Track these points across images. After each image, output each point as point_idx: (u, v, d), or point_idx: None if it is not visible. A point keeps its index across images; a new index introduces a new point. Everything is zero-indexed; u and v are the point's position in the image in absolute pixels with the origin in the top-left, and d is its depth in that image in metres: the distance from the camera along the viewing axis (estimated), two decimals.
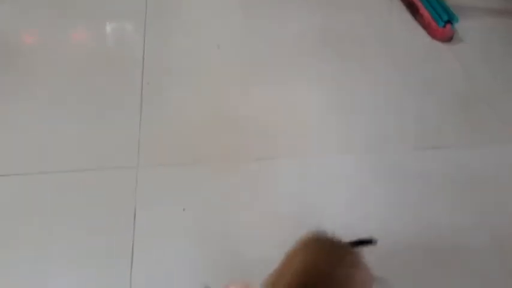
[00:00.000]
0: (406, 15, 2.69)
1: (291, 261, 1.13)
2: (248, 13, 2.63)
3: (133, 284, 1.53)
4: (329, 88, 2.24)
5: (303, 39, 2.47)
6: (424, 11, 2.61)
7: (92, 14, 2.53)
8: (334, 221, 1.32)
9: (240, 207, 1.75)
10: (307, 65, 2.34)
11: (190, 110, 2.10)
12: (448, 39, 2.54)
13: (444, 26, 2.53)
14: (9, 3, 2.54)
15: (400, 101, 2.21)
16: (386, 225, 1.71)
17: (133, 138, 1.95)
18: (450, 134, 2.08)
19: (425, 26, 2.59)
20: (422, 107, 2.19)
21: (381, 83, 2.30)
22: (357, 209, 1.76)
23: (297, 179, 1.85)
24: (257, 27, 2.53)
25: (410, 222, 1.74)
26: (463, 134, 2.08)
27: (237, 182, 1.83)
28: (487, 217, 1.78)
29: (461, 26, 2.58)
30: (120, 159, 1.89)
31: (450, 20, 2.54)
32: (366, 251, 1.19)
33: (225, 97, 2.17)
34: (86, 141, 1.95)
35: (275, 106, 2.14)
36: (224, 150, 1.94)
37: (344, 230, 1.17)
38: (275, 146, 1.97)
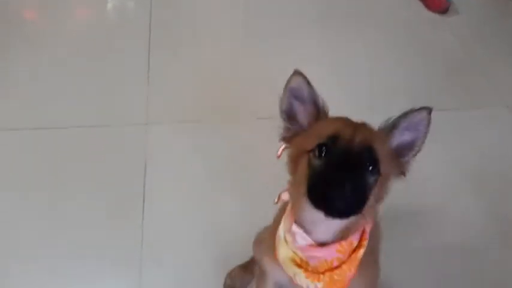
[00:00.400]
0: None
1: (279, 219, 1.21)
2: None
3: (144, 233, 1.62)
4: (329, 55, 2.34)
5: (304, 13, 2.59)
6: None
7: None
8: None
9: (242, 159, 1.85)
10: (308, 35, 2.45)
11: (197, 70, 2.21)
12: (444, 10, 2.64)
13: None
14: None
15: (395, 67, 2.32)
16: None
17: (141, 97, 2.07)
18: (443, 97, 2.19)
19: None
20: (417, 72, 2.31)
21: (378, 51, 2.40)
22: None
23: None
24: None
25: None
26: (456, 96, 2.20)
27: (239, 138, 1.93)
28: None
29: None
30: (129, 117, 2.01)
31: None
32: None
33: (231, 59, 2.28)
34: (98, 99, 2.07)
35: (278, 69, 2.24)
36: (228, 109, 2.05)
37: None
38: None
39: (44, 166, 1.81)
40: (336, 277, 0.99)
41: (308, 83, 0.97)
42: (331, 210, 0.87)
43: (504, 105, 2.18)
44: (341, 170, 0.85)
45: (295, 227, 0.98)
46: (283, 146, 1.03)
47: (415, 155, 0.98)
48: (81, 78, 2.15)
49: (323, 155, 0.88)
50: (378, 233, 1.10)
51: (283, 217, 1.05)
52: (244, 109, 2.06)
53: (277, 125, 1.01)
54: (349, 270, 0.99)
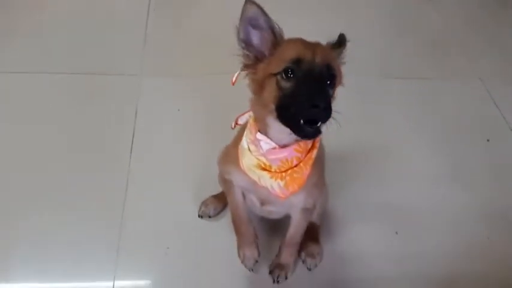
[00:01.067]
0: None
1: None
2: None
3: (131, 172, 1.75)
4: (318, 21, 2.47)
5: None
6: None
7: None
8: None
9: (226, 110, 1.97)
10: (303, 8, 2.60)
11: (193, 24, 2.38)
12: None
13: None
14: None
15: (379, 38, 2.46)
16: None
17: (137, 49, 2.24)
18: (420, 66, 2.33)
19: None
20: (397, 41, 2.45)
21: (365, 23, 2.54)
22: None
23: None
24: None
25: None
26: (433, 67, 2.33)
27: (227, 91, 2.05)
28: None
29: None
30: (124, 67, 2.16)
31: None
32: None
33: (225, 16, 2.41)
34: (94, 48, 2.23)
35: None
36: (218, 64, 2.18)
37: None
38: None
39: (47, 106, 1.97)
40: (295, 175, 1.14)
41: (263, 11, 1.05)
42: (305, 134, 1.02)
43: (477, 76, 2.31)
44: (310, 88, 0.99)
45: (259, 135, 1.12)
46: (238, 73, 1.13)
47: None
48: (83, 30, 2.33)
49: (290, 76, 1.02)
50: (322, 147, 1.27)
51: (245, 132, 1.19)
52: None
53: (234, 53, 1.09)
54: (305, 168, 1.14)
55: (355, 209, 1.70)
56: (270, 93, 1.05)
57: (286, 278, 1.48)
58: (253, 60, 1.10)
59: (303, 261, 1.53)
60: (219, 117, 1.89)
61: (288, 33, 1.10)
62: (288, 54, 1.03)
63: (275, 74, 1.04)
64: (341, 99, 1.10)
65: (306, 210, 1.33)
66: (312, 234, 1.52)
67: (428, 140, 2.00)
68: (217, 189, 1.61)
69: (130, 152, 1.82)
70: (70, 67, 2.13)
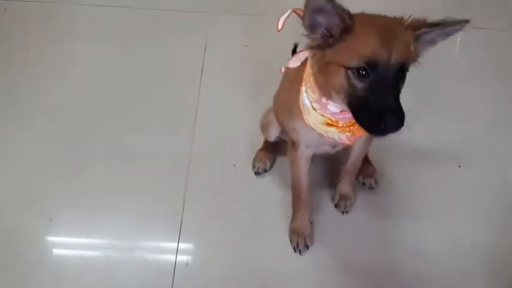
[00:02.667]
0: None
1: None
2: None
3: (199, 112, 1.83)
4: None
5: None
6: None
7: None
8: None
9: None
10: None
11: None
12: None
13: None
14: None
15: None
16: None
17: None
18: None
19: None
20: None
21: None
22: None
23: None
24: None
25: None
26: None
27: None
28: None
29: None
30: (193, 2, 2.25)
31: None
32: None
33: None
34: None
35: None
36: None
37: None
38: None
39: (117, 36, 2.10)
40: (356, 128, 1.16)
41: (328, 1, 0.96)
42: (381, 133, 1.03)
43: None
44: (385, 98, 0.99)
45: (325, 100, 1.13)
46: (285, 18, 1.12)
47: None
48: None
49: (363, 75, 0.99)
50: None
51: (303, 87, 1.18)
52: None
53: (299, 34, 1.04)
54: None
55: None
56: (339, 83, 1.03)
57: (351, 206, 1.54)
58: (321, 40, 1.04)
59: (363, 184, 1.59)
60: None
61: None
62: (361, 50, 0.99)
63: (346, 67, 1.01)
64: None
65: (369, 138, 1.37)
66: (365, 158, 1.55)
67: None
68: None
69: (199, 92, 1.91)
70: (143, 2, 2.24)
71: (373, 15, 1.05)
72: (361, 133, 1.20)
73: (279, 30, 1.15)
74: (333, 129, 1.19)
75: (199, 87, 1.89)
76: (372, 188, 1.59)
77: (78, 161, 1.67)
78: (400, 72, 1.01)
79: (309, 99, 1.17)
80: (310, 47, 1.07)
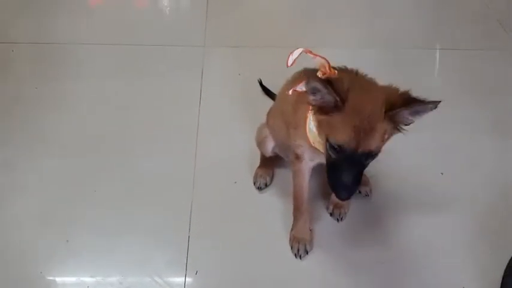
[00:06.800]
0: None
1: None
2: None
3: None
4: None
5: None
6: None
7: None
8: None
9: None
10: None
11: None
12: None
13: None
14: None
15: None
16: None
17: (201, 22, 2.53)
18: None
19: None
20: None
21: None
22: None
23: None
24: None
25: None
26: None
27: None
28: None
29: None
30: (189, 39, 2.45)
31: None
32: None
33: None
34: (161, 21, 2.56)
35: None
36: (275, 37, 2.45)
37: None
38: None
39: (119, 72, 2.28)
40: None
41: (324, 86, 1.12)
42: (337, 194, 1.25)
43: None
44: (346, 170, 1.18)
45: None
46: (294, 58, 1.28)
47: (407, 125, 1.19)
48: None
49: (336, 150, 1.18)
50: None
51: (310, 116, 1.28)
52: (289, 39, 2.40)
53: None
54: None
55: None
56: (324, 146, 1.23)
57: (345, 214, 1.66)
58: (322, 107, 1.19)
59: (359, 192, 1.70)
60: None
61: None
62: (338, 134, 1.17)
63: (327, 140, 1.20)
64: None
65: None
66: None
67: None
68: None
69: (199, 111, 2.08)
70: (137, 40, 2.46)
71: (366, 89, 1.19)
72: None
73: (288, 66, 1.29)
74: None
75: (199, 114, 2.05)
76: (368, 196, 1.72)
77: (91, 186, 1.78)
78: (367, 158, 1.19)
79: (314, 125, 1.27)
80: (312, 105, 1.21)
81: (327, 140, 1.20)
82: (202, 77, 2.22)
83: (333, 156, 1.20)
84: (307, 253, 1.56)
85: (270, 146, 1.66)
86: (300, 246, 1.56)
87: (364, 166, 1.22)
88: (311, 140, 1.32)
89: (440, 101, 1.12)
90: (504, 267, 1.51)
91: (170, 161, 1.86)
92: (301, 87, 1.26)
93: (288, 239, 1.60)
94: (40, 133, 1.96)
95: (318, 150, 1.33)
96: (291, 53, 1.29)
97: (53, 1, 2.67)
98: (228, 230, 1.65)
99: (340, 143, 1.17)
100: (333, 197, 1.64)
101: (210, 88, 2.17)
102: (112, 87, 2.18)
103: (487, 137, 1.99)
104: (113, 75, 2.25)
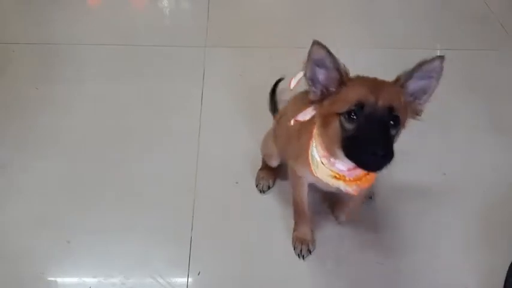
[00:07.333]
0: None
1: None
2: None
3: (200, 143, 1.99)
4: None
5: None
6: None
7: None
8: None
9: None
10: None
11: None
12: None
13: None
14: None
15: None
16: None
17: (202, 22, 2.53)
18: None
19: None
20: None
21: None
22: None
23: None
24: None
25: None
26: None
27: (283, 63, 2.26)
28: None
29: None
30: (190, 39, 2.44)
31: None
32: None
33: None
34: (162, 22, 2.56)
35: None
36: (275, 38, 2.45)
37: None
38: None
39: (123, 73, 2.26)
40: (368, 177, 1.27)
41: (329, 53, 1.10)
42: (369, 167, 1.12)
43: None
44: (371, 133, 1.05)
45: (332, 159, 1.22)
46: (299, 79, 1.21)
47: (429, 98, 1.15)
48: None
49: (353, 118, 1.08)
50: None
51: (313, 143, 1.25)
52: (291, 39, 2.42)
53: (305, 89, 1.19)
54: (371, 178, 1.29)
55: None
56: (334, 130, 1.13)
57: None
58: (320, 96, 1.17)
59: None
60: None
61: None
62: (351, 96, 1.10)
63: (339, 114, 1.11)
64: None
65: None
66: None
67: None
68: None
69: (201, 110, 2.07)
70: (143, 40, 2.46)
71: (366, 76, 1.18)
72: (366, 185, 1.30)
73: (291, 89, 1.28)
74: (340, 182, 1.27)
75: (200, 114, 2.04)
76: (371, 198, 1.72)
77: (91, 187, 1.78)
78: (392, 119, 1.09)
79: (318, 154, 1.25)
80: (311, 102, 1.19)
81: (340, 116, 1.11)
82: (203, 78, 2.22)
83: (351, 127, 1.09)
84: (310, 253, 1.56)
85: (275, 162, 1.67)
86: (303, 247, 1.56)
87: (391, 132, 1.09)
88: (313, 168, 1.29)
89: (444, 56, 1.10)
90: (507, 267, 1.51)
91: (172, 162, 1.85)
92: (303, 116, 1.25)
93: (291, 239, 1.60)
94: (40, 133, 1.95)
95: (319, 178, 1.29)
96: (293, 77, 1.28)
97: (53, 1, 2.66)
98: (230, 230, 1.65)
99: (358, 99, 1.08)
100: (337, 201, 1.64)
101: (212, 88, 2.17)
102: (113, 88, 2.17)
103: (488, 136, 1.99)
104: (113, 76, 2.24)
